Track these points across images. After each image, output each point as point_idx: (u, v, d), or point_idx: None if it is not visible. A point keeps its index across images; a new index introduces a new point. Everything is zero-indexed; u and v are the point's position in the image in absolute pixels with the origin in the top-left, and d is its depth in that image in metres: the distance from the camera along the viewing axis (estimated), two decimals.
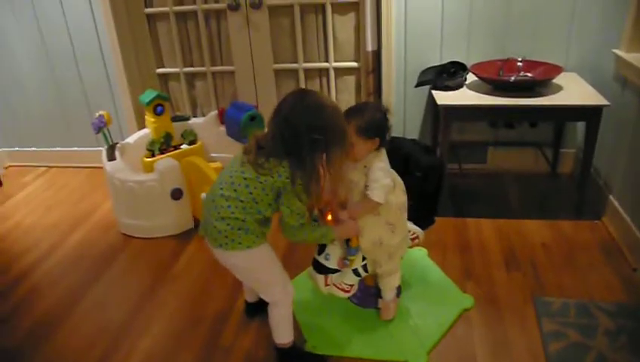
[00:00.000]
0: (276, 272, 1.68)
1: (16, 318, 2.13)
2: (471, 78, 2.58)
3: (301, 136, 1.46)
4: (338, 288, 1.77)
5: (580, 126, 2.77)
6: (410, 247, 1.98)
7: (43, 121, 3.43)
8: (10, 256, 2.57)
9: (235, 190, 1.52)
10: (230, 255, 1.58)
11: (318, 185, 1.53)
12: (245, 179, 1.52)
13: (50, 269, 2.44)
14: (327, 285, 1.76)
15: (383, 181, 1.65)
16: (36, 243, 2.65)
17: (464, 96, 2.44)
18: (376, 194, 1.65)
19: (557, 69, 2.42)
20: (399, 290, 1.95)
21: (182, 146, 3.05)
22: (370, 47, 2.82)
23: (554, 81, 2.43)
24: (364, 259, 1.78)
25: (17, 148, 3.57)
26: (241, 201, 1.52)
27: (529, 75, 2.49)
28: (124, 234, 2.66)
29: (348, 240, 1.70)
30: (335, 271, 1.74)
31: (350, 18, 2.93)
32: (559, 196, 2.77)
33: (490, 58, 2.64)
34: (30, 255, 2.56)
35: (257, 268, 1.66)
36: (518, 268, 2.19)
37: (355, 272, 1.78)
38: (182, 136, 3.09)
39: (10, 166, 3.58)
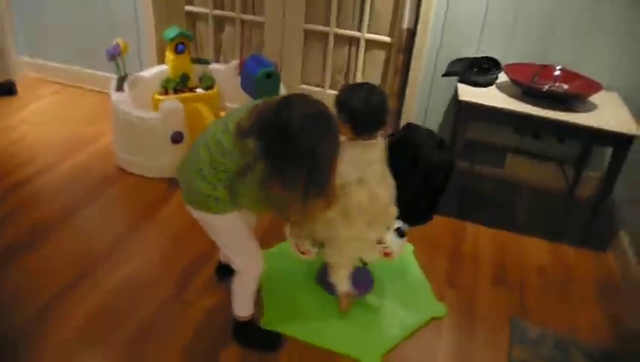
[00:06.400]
0: (241, 242, 1.60)
1: (5, 224, 2.18)
2: (503, 77, 2.41)
3: (299, 161, 1.31)
4: (297, 249, 1.74)
5: (609, 151, 2.59)
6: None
7: (66, 38, 3.38)
8: (10, 165, 2.58)
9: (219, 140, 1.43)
10: (193, 211, 1.53)
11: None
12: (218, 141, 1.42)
13: (44, 186, 2.46)
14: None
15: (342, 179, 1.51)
16: (36, 158, 2.65)
17: (489, 96, 2.29)
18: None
19: (595, 86, 2.23)
20: (370, 284, 1.87)
21: (197, 90, 2.98)
22: (406, 24, 2.66)
23: (590, 98, 2.25)
24: None
25: (38, 60, 3.54)
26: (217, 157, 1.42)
27: (565, 86, 2.32)
28: (121, 168, 2.63)
29: None
30: None
31: None
32: (570, 219, 2.62)
33: (529, 60, 2.46)
34: (27, 168, 2.56)
35: (221, 233, 1.60)
36: (505, 285, 2.09)
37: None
38: (199, 79, 3.02)
39: (29, 76, 3.55)
